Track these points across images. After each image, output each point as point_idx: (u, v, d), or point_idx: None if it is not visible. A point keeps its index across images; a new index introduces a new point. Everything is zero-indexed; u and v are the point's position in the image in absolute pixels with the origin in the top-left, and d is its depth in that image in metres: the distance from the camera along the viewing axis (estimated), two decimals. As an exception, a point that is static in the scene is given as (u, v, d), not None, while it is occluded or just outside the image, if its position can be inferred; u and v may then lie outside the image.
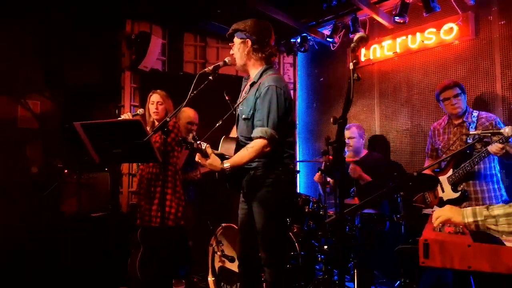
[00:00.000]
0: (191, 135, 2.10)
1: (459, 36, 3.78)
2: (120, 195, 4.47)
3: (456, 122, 3.15)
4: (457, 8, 3.75)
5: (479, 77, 3.64)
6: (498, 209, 1.53)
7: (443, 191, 3.10)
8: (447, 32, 3.85)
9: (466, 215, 1.57)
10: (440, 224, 1.71)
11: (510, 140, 2.67)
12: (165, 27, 4.84)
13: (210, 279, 3.52)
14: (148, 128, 3.29)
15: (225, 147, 2.37)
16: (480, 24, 3.69)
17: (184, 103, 2.26)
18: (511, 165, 3.27)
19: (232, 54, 2.46)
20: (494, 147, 2.63)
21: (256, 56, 2.38)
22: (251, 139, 2.26)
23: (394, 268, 3.03)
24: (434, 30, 3.95)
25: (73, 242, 3.60)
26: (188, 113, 3.83)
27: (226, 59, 2.43)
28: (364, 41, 1.61)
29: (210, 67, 2.36)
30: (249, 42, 2.37)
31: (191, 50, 5.05)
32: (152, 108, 3.33)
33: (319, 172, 3.19)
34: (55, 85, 4.40)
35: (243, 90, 2.56)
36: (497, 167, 3.05)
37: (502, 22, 3.55)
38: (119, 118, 3.20)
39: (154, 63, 4.61)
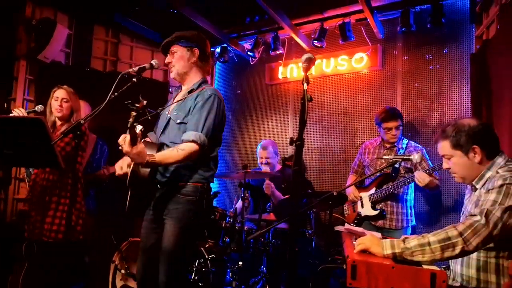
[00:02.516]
0: (134, 113, 1.81)
1: (368, 65, 4.11)
2: (1, 202, 3.84)
3: (388, 145, 3.39)
4: (368, 39, 4.08)
5: (383, 105, 3.96)
6: (413, 241, 1.65)
7: (362, 207, 3.29)
8: (358, 61, 4.17)
9: (385, 247, 1.66)
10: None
11: (435, 173, 2.98)
12: (73, 15, 4.37)
13: (110, 299, 3.19)
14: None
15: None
16: (387, 57, 4.08)
17: (103, 104, 2.03)
18: (420, 193, 3.62)
19: (170, 62, 2.34)
20: (421, 177, 2.88)
21: (199, 66, 2.38)
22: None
23: (302, 284, 3.09)
24: (346, 57, 4.24)
25: None
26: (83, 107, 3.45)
27: (153, 62, 2.25)
28: (312, 62, 1.60)
29: (135, 69, 2.16)
30: (197, 51, 2.35)
31: (101, 45, 4.65)
32: (55, 104, 2.93)
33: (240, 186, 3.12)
34: None
35: (174, 98, 2.46)
36: (412, 194, 3.35)
37: (405, 58, 3.97)
38: (13, 114, 2.75)
39: (56, 55, 4.12)
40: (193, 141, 2.11)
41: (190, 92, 2.32)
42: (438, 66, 3.78)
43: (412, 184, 3.21)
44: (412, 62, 3.93)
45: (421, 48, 3.88)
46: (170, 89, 4.68)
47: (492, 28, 3.20)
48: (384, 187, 3.19)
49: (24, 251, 2.96)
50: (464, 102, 3.61)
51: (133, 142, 1.86)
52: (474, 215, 1.64)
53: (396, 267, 1.58)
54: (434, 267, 1.62)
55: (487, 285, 1.73)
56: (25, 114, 2.83)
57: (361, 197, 3.28)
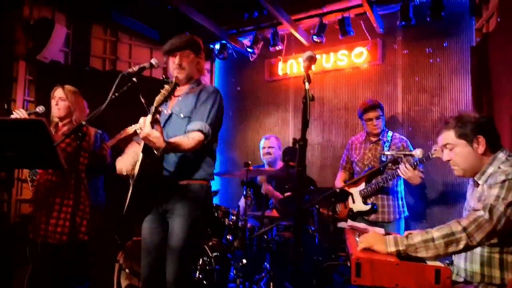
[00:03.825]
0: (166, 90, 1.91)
1: (368, 60, 4.10)
2: (5, 203, 3.84)
3: (373, 139, 3.40)
4: (367, 34, 4.07)
5: (383, 100, 3.97)
6: (416, 237, 1.65)
7: (353, 202, 3.31)
8: (358, 56, 4.16)
9: (389, 244, 1.67)
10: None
11: (420, 165, 2.98)
12: (71, 15, 4.35)
13: (115, 298, 3.20)
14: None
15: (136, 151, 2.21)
16: (387, 51, 4.07)
17: (104, 105, 2.02)
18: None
19: (180, 64, 2.34)
20: (404, 170, 2.88)
21: (201, 68, 2.48)
22: None
23: (306, 281, 3.11)
24: (346, 52, 4.23)
25: None
26: None
27: (153, 61, 2.24)
28: (313, 60, 1.60)
29: (135, 68, 2.14)
30: (202, 59, 2.47)
31: (100, 44, 4.63)
32: (53, 104, 2.91)
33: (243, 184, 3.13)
34: None
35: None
36: (402, 185, 3.36)
37: (405, 51, 3.96)
38: (14, 116, 2.74)
39: (55, 54, 4.10)
40: (199, 130, 2.14)
41: (191, 89, 2.36)
42: (438, 59, 3.77)
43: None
44: (412, 56, 3.92)
45: (421, 41, 3.87)
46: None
47: (492, 20, 3.19)
48: (374, 181, 3.21)
49: (28, 252, 2.97)
50: (465, 96, 3.61)
51: (153, 126, 1.88)
52: (478, 210, 1.65)
53: (400, 263, 1.59)
54: (438, 263, 1.63)
55: (491, 280, 1.74)
56: (26, 116, 2.81)
57: (351, 193, 3.30)
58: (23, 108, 3.82)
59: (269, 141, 3.91)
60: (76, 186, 2.79)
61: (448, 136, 1.88)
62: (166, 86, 1.95)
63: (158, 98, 1.93)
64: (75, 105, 2.94)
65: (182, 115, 2.27)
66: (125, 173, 2.19)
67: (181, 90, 2.40)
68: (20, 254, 3.04)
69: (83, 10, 4.31)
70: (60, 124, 2.96)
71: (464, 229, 1.60)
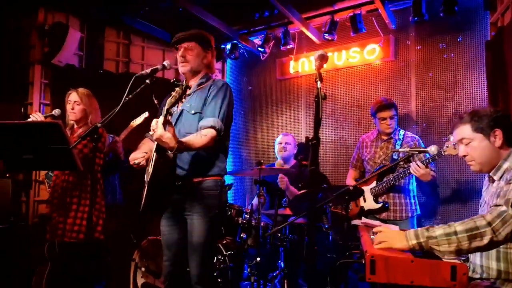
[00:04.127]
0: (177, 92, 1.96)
1: (380, 56, 4.06)
2: (23, 204, 3.93)
3: (385, 137, 3.38)
4: (379, 30, 4.03)
5: (397, 96, 3.94)
6: (438, 230, 1.62)
7: (364, 201, 3.29)
8: (370, 52, 4.12)
9: (410, 237, 1.64)
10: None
11: (431, 164, 2.94)
12: (84, 19, 4.42)
13: (131, 296, 3.25)
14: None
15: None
16: (399, 47, 4.02)
17: (119, 107, 2.05)
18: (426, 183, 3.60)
19: (184, 57, 2.35)
20: (416, 168, 2.85)
21: (209, 68, 2.46)
22: None
23: (320, 278, 3.10)
24: (358, 49, 4.20)
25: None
26: None
27: (166, 63, 2.27)
28: (325, 59, 1.59)
29: (148, 70, 2.18)
30: (211, 55, 2.44)
31: (113, 47, 4.70)
32: (68, 108, 2.98)
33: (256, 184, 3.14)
34: None
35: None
36: (414, 183, 3.33)
37: (418, 47, 3.91)
38: (31, 119, 2.81)
39: (70, 58, 4.18)
40: (211, 126, 2.16)
41: (199, 84, 2.37)
42: (452, 55, 3.71)
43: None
44: (426, 51, 3.87)
45: (435, 37, 3.82)
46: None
47: (507, 14, 3.13)
48: (385, 179, 3.18)
49: (46, 251, 3.04)
50: (480, 91, 3.54)
51: (165, 127, 1.91)
52: (500, 206, 1.61)
53: (416, 260, 1.57)
54: (454, 260, 1.61)
55: (508, 276, 1.71)
56: (43, 119, 2.88)
57: (363, 190, 3.28)
58: (39, 111, 3.92)
59: (287, 137, 3.95)
60: (92, 187, 2.84)
61: (464, 130, 1.85)
62: (177, 89, 1.99)
63: (169, 101, 1.97)
64: (90, 108, 3.01)
65: (192, 111, 2.29)
66: (137, 162, 2.22)
67: (190, 85, 2.41)
68: (39, 253, 3.12)
69: (96, 14, 4.38)
70: (75, 126, 3.01)
71: (489, 223, 1.56)
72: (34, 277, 3.15)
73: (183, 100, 2.37)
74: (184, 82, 2.02)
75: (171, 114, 2.01)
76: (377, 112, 3.32)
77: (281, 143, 3.93)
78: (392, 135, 3.34)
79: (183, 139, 2.05)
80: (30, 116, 2.93)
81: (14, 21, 4.04)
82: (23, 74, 4.08)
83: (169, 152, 2.02)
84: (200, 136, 2.13)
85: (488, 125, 1.80)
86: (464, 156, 1.89)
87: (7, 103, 4.05)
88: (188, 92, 2.35)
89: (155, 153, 2.09)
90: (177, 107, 2.35)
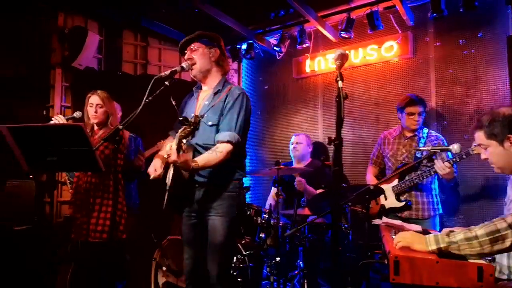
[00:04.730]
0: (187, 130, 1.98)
1: (398, 54, 4.01)
2: (47, 205, 4.02)
3: (408, 135, 3.33)
4: (397, 27, 3.98)
5: (416, 94, 3.87)
6: (459, 235, 1.61)
7: (385, 199, 3.24)
8: (388, 50, 4.07)
9: (429, 242, 1.63)
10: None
11: (454, 165, 2.89)
12: (102, 22, 4.49)
13: (153, 295, 3.30)
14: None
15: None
16: (418, 44, 3.96)
17: (139, 109, 2.08)
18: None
19: (192, 59, 2.39)
20: (442, 166, 2.80)
21: (220, 65, 2.46)
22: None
23: (340, 278, 3.08)
24: (376, 47, 4.15)
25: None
26: None
27: (184, 64, 2.31)
28: (345, 58, 1.59)
29: (167, 72, 2.21)
30: (218, 51, 2.44)
31: (131, 49, 4.75)
32: (90, 111, 3.03)
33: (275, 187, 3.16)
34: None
35: (197, 98, 2.51)
36: (436, 182, 3.27)
37: (438, 44, 3.84)
38: (54, 122, 2.87)
39: (89, 61, 4.25)
40: (228, 141, 2.20)
41: (216, 93, 2.39)
42: (472, 50, 3.64)
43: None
44: (445, 48, 3.79)
45: (454, 33, 3.74)
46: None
47: (530, 8, 3.05)
48: (407, 177, 3.13)
49: (70, 251, 3.10)
50: (503, 87, 3.46)
51: (179, 152, 1.99)
52: None
53: (441, 261, 1.55)
54: (481, 261, 1.58)
55: (536, 277, 1.68)
56: (64, 121, 2.94)
57: (383, 189, 3.24)
58: (60, 113, 4.00)
59: (298, 137, 3.99)
60: (114, 187, 2.89)
61: (479, 137, 1.84)
62: (186, 128, 2.02)
63: (180, 134, 2.00)
64: (111, 110, 3.07)
65: (210, 123, 2.32)
66: (157, 175, 2.28)
67: (206, 90, 2.45)
68: (63, 253, 3.19)
69: (114, 17, 4.44)
70: (96, 127, 3.07)
71: (510, 226, 1.54)
72: (58, 276, 3.22)
73: (199, 107, 2.41)
74: (195, 120, 2.06)
75: (183, 143, 2.04)
76: (406, 106, 3.27)
77: (292, 143, 3.99)
78: (416, 133, 3.29)
79: (199, 160, 2.11)
80: (52, 118, 2.99)
81: (35, 26, 4.13)
82: (45, 77, 4.17)
83: (185, 173, 2.14)
84: (216, 154, 2.17)
85: (502, 131, 1.76)
86: (486, 159, 1.88)
87: (30, 105, 4.16)
88: (205, 100, 2.39)
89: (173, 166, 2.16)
90: (193, 113, 2.39)
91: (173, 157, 1.99)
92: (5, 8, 3.90)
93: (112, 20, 4.48)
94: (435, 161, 2.88)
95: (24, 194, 3.68)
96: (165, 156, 2.06)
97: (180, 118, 1.97)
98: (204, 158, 2.16)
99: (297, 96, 4.82)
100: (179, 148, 1.98)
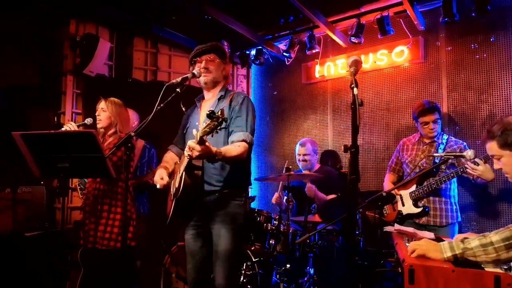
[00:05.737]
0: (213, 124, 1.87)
1: (409, 58, 3.98)
2: (57, 211, 4.05)
3: (427, 141, 3.27)
4: (408, 32, 3.95)
5: (427, 99, 3.82)
6: (474, 241, 1.59)
7: (403, 205, 3.18)
8: (398, 55, 4.04)
9: (445, 250, 1.61)
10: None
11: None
12: (113, 29, 4.53)
13: (162, 302, 3.28)
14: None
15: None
16: (429, 49, 3.93)
17: (151, 116, 2.09)
18: (465, 188, 3.49)
19: (207, 68, 2.41)
20: (473, 168, 2.72)
21: (226, 79, 2.54)
22: None
23: (350, 285, 3.04)
24: (386, 51, 4.13)
25: (5, 265, 3.17)
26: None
27: (195, 71, 2.32)
28: (359, 64, 1.57)
29: (178, 79, 2.22)
30: (228, 68, 2.56)
31: (141, 56, 4.78)
32: (96, 115, 3.04)
33: (281, 192, 3.13)
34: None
35: (200, 108, 2.52)
36: (456, 189, 3.21)
37: (449, 48, 3.81)
38: (65, 128, 2.88)
39: (100, 68, 4.28)
40: (243, 140, 2.20)
41: (220, 98, 2.41)
42: (485, 55, 3.59)
43: (455, 178, 3.06)
44: (457, 52, 3.76)
45: (466, 37, 3.71)
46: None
47: (544, 11, 3.01)
48: (425, 183, 3.07)
49: (79, 257, 3.11)
50: (516, 92, 3.41)
51: (201, 143, 1.92)
52: None
53: (457, 270, 1.52)
54: (497, 269, 1.55)
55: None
56: (76, 128, 2.95)
57: (400, 195, 3.18)
58: (71, 120, 4.03)
59: (305, 148, 3.79)
60: (123, 194, 2.89)
61: (492, 147, 1.81)
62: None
63: (203, 130, 1.89)
64: (116, 116, 3.01)
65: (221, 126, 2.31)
66: (165, 183, 2.27)
67: (209, 99, 2.48)
68: (73, 259, 3.19)
69: (125, 24, 4.49)
70: (106, 134, 3.08)
71: None
72: (68, 282, 3.22)
73: (204, 112, 2.38)
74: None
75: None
76: (419, 116, 3.22)
77: (299, 155, 3.81)
78: (435, 139, 3.23)
79: (221, 149, 2.08)
80: (64, 125, 3.00)
81: (48, 33, 4.18)
82: (56, 84, 4.21)
83: (198, 171, 2.14)
84: (235, 146, 2.17)
85: None
86: (500, 169, 1.84)
87: (42, 112, 4.20)
88: (209, 107, 2.37)
89: (183, 172, 2.14)
90: (198, 122, 2.40)
91: (197, 147, 1.90)
92: (18, 16, 3.95)
93: (123, 27, 4.52)
94: (467, 164, 2.77)
95: (35, 200, 3.70)
96: (186, 153, 1.95)
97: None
98: (225, 148, 2.14)
99: (306, 101, 4.80)
100: (202, 141, 1.90)
